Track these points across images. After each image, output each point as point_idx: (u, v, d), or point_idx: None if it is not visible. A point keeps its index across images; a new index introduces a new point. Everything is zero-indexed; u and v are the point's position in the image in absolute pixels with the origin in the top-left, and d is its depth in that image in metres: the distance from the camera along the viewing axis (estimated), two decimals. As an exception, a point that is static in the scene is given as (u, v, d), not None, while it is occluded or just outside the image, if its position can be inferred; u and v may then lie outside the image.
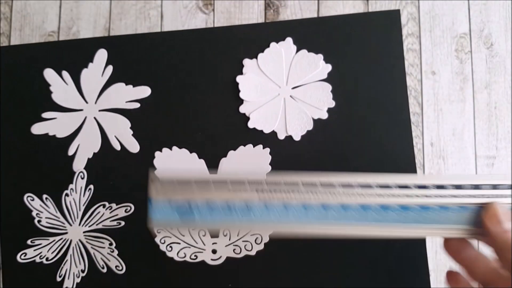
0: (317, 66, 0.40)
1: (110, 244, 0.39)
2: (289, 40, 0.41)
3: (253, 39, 0.41)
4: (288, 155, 0.40)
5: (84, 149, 0.40)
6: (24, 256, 0.39)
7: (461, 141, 0.38)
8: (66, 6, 0.45)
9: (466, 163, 0.43)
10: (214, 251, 0.39)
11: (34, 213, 0.40)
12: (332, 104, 0.40)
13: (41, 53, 0.42)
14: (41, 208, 0.40)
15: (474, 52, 0.44)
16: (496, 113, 0.44)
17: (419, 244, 0.38)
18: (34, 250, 0.39)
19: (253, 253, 0.39)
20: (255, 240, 0.39)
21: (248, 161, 0.40)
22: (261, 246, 0.39)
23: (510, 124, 0.38)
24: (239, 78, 0.40)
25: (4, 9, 0.39)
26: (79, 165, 0.40)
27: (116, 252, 0.39)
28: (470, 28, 0.44)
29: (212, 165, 0.40)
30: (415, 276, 0.38)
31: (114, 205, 0.40)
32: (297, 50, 0.40)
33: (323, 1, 0.44)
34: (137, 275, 0.39)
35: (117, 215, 0.40)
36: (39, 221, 0.40)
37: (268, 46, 0.40)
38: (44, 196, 0.40)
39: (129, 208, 0.40)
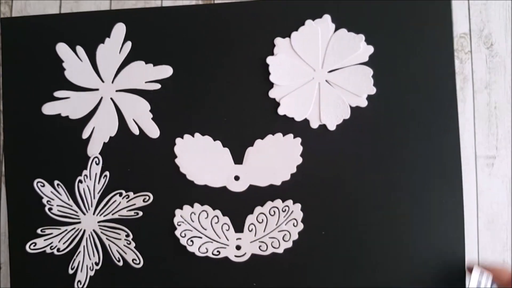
0: (357, 47, 0.36)
1: (127, 235, 0.36)
2: (326, 17, 0.36)
3: (286, 15, 0.37)
4: (321, 146, 0.36)
5: (100, 132, 0.37)
6: (34, 246, 0.37)
7: (461, 141, 0.36)
8: (66, 6, 0.43)
9: (466, 163, 0.43)
10: (238, 247, 0.36)
11: (44, 200, 0.37)
12: (373, 90, 0.36)
13: (54, 25, 0.38)
14: (52, 195, 0.37)
15: (474, 52, 0.44)
16: (496, 113, 0.44)
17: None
18: (45, 240, 0.37)
19: (280, 250, 0.36)
20: (283, 237, 0.36)
21: (276, 152, 0.37)
22: (289, 244, 0.36)
23: (510, 124, 0.36)
24: (269, 59, 0.36)
25: (4, 9, 0.38)
26: (94, 149, 0.37)
27: (133, 244, 0.36)
28: (470, 28, 0.44)
29: (237, 155, 0.37)
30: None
31: (131, 194, 0.37)
32: (336, 29, 0.36)
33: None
34: (155, 269, 0.36)
35: (134, 204, 0.37)
36: (50, 209, 0.37)
37: (303, 24, 0.36)
38: (56, 182, 0.37)
39: (147, 197, 0.37)
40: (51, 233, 0.37)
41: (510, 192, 0.35)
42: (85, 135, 0.37)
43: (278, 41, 0.37)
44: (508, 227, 0.44)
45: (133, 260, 0.36)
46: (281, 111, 0.37)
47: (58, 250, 0.37)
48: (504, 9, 0.45)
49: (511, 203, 0.35)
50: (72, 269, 0.36)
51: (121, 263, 0.36)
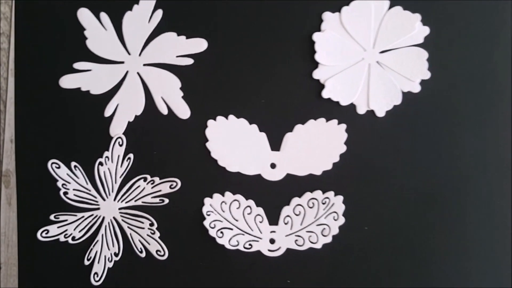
0: (412, 27, 0.32)
1: (151, 224, 0.33)
2: (381, -8, 0.33)
3: (336, -12, 0.33)
4: (368, 133, 0.33)
5: (124, 110, 0.33)
6: (46, 233, 0.33)
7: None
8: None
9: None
10: (272, 241, 0.33)
11: (59, 184, 0.33)
12: (427, 75, 0.33)
13: (75, -12, 0.34)
14: (68, 178, 0.33)
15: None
16: None
17: None
18: (58, 227, 0.33)
19: (318, 246, 0.33)
20: (322, 232, 0.33)
21: (318, 138, 0.33)
22: (329, 239, 0.33)
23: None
24: (316, 36, 0.33)
25: (4, 9, 0.35)
26: (117, 129, 0.33)
27: (157, 234, 0.33)
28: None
29: (275, 141, 0.33)
30: None
31: (157, 179, 0.33)
32: (390, 6, 0.33)
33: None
34: (181, 262, 0.33)
35: (160, 190, 0.33)
36: (65, 193, 0.33)
37: (355, -2, 0.33)
38: (73, 164, 0.33)
39: (174, 183, 0.33)
40: (66, 220, 0.33)
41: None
42: (107, 113, 0.33)
43: (327, 16, 0.33)
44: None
45: (157, 251, 0.33)
46: (325, 94, 0.33)
47: (73, 238, 0.33)
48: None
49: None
50: (88, 260, 0.33)
51: (143, 255, 0.33)
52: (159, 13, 0.33)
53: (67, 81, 0.33)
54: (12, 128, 0.35)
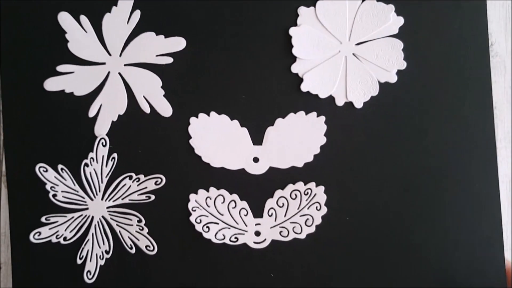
0: (387, 18, 0.33)
1: (139, 221, 0.34)
2: (354, -15, 0.34)
3: (310, -18, 0.34)
4: (347, 124, 0.34)
5: (108, 110, 0.34)
6: (38, 235, 0.34)
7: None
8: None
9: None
10: (257, 233, 0.34)
11: (48, 186, 0.34)
12: (403, 65, 0.33)
13: (54, -8, 0.35)
14: (56, 181, 0.34)
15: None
16: (496, 113, 0.44)
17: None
18: (50, 228, 0.34)
19: (302, 236, 0.34)
20: (305, 222, 0.34)
21: (299, 131, 0.34)
22: (312, 229, 0.34)
23: (510, 124, 0.34)
24: (292, 31, 0.34)
25: None
26: (102, 129, 0.34)
27: (146, 230, 0.34)
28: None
29: (257, 135, 0.34)
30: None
31: (142, 177, 0.34)
32: (364, -1, 0.34)
33: None
34: (170, 256, 0.34)
35: (146, 188, 0.34)
36: (54, 196, 0.34)
37: (329, -8, 0.34)
38: (60, 166, 0.34)
39: (159, 180, 0.34)
40: (57, 221, 0.34)
41: (510, 192, 0.34)
42: (91, 113, 0.34)
43: (302, 10, 0.34)
44: (508, 227, 0.43)
45: (146, 246, 0.34)
46: (304, 87, 0.34)
47: (64, 239, 0.34)
48: (504, 9, 0.44)
49: (511, 203, 0.34)
50: (80, 259, 0.34)
51: (133, 251, 0.34)
52: (137, 13, 0.34)
53: (51, 84, 0.34)
54: None
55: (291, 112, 0.34)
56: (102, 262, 0.34)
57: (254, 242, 0.34)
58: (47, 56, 0.34)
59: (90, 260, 0.34)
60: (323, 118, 0.34)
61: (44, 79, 0.34)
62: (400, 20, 0.33)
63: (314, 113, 0.34)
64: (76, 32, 0.34)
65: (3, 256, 0.35)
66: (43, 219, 0.34)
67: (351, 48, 0.34)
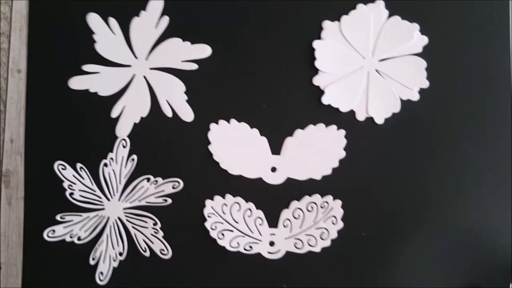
0: (411, 37, 0.33)
1: (155, 224, 0.34)
2: (380, 3, 0.34)
3: (337, -2, 0.35)
4: (366, 140, 0.34)
5: (130, 112, 0.34)
6: (52, 233, 0.34)
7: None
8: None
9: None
10: (271, 243, 0.34)
11: (65, 184, 0.34)
12: (426, 84, 0.33)
13: (85, -6, 0.35)
14: (74, 179, 0.34)
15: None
16: None
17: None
18: (64, 227, 0.34)
19: (317, 249, 0.34)
20: (321, 235, 0.34)
21: (318, 143, 0.34)
22: (328, 243, 0.34)
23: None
24: (316, 44, 0.34)
25: (4, 9, 0.36)
26: (123, 130, 0.34)
27: (161, 233, 0.34)
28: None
29: (275, 145, 0.34)
30: None
31: (160, 180, 0.34)
32: (389, 16, 0.34)
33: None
34: (184, 261, 0.34)
35: (163, 191, 0.34)
36: (71, 194, 0.34)
37: (355, 7, 0.34)
38: (79, 165, 0.34)
39: (177, 184, 0.34)
40: (72, 220, 0.34)
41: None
42: (114, 114, 0.34)
43: (327, 24, 0.34)
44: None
45: (161, 250, 0.34)
46: (325, 100, 0.34)
47: (78, 238, 0.34)
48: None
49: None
50: (93, 259, 0.34)
51: (147, 254, 0.34)
52: (166, 19, 0.34)
53: (76, 82, 0.34)
54: (12, 128, 0.35)
55: (311, 124, 0.34)
56: (115, 264, 0.34)
57: (268, 252, 0.34)
58: (74, 55, 0.35)
59: (104, 262, 0.34)
60: (343, 131, 0.34)
61: (69, 77, 0.34)
62: (424, 40, 0.34)
63: (334, 126, 0.34)
64: (104, 34, 0.34)
65: (3, 256, 0.35)
66: (58, 217, 0.34)
67: (374, 64, 0.34)
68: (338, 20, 0.34)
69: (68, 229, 0.34)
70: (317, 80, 0.34)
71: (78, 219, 0.34)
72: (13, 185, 0.35)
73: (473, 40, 0.34)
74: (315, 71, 0.34)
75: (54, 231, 0.34)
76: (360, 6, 0.34)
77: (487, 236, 0.33)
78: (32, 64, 0.35)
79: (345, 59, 0.34)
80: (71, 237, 0.34)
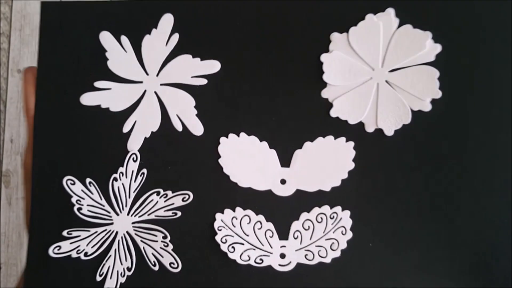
0: (423, 46, 0.33)
1: (164, 237, 0.34)
2: (390, 11, 0.33)
3: (345, 8, 0.34)
4: (376, 152, 0.33)
5: (142, 126, 0.35)
6: (58, 249, 0.34)
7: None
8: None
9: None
10: (282, 256, 0.34)
11: (74, 199, 0.34)
12: (438, 94, 0.33)
13: (98, 13, 0.36)
14: (82, 194, 0.34)
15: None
16: None
17: None
18: (71, 243, 0.34)
19: (327, 260, 0.33)
20: (331, 246, 0.33)
21: (327, 155, 0.34)
22: (338, 253, 0.33)
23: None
24: (324, 57, 0.34)
25: (4, 9, 0.36)
26: (134, 144, 0.35)
27: (170, 246, 0.34)
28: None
29: (285, 157, 0.34)
30: None
31: (169, 193, 0.34)
32: (400, 25, 0.33)
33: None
34: (193, 275, 0.34)
35: (173, 204, 0.34)
36: (79, 209, 0.34)
37: (363, 18, 0.34)
38: (88, 180, 0.35)
39: (187, 196, 0.34)
40: (79, 236, 0.34)
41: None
42: (126, 129, 0.35)
43: (335, 36, 0.34)
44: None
45: (170, 264, 0.34)
46: (334, 112, 0.34)
47: (85, 254, 0.34)
48: (505, 10, 0.42)
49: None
50: (100, 275, 0.34)
51: (156, 268, 0.34)
52: (176, 36, 0.35)
53: (88, 99, 0.35)
54: (12, 128, 0.36)
55: (320, 136, 0.34)
56: (123, 280, 0.34)
57: (279, 265, 0.34)
58: (86, 72, 0.36)
59: (111, 278, 0.34)
60: (352, 143, 0.34)
61: (81, 93, 0.35)
62: (437, 48, 0.33)
63: (343, 138, 0.34)
64: (116, 51, 0.35)
65: (3, 256, 0.35)
66: (65, 233, 0.34)
67: (384, 75, 0.34)
68: (347, 31, 0.34)
69: (75, 245, 0.34)
70: (325, 93, 0.34)
71: (85, 234, 0.34)
72: (13, 185, 0.35)
73: (489, 48, 0.33)
74: (324, 84, 0.34)
75: (60, 247, 0.34)
76: (369, 16, 0.34)
77: (499, 250, 0.32)
78: (44, 80, 0.36)
79: (353, 71, 0.34)
80: (77, 253, 0.34)
